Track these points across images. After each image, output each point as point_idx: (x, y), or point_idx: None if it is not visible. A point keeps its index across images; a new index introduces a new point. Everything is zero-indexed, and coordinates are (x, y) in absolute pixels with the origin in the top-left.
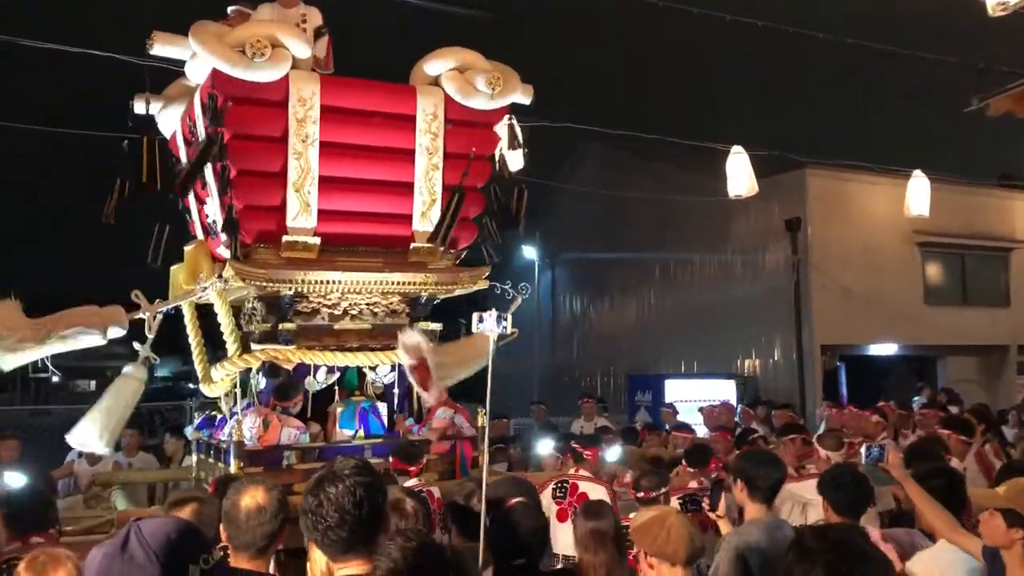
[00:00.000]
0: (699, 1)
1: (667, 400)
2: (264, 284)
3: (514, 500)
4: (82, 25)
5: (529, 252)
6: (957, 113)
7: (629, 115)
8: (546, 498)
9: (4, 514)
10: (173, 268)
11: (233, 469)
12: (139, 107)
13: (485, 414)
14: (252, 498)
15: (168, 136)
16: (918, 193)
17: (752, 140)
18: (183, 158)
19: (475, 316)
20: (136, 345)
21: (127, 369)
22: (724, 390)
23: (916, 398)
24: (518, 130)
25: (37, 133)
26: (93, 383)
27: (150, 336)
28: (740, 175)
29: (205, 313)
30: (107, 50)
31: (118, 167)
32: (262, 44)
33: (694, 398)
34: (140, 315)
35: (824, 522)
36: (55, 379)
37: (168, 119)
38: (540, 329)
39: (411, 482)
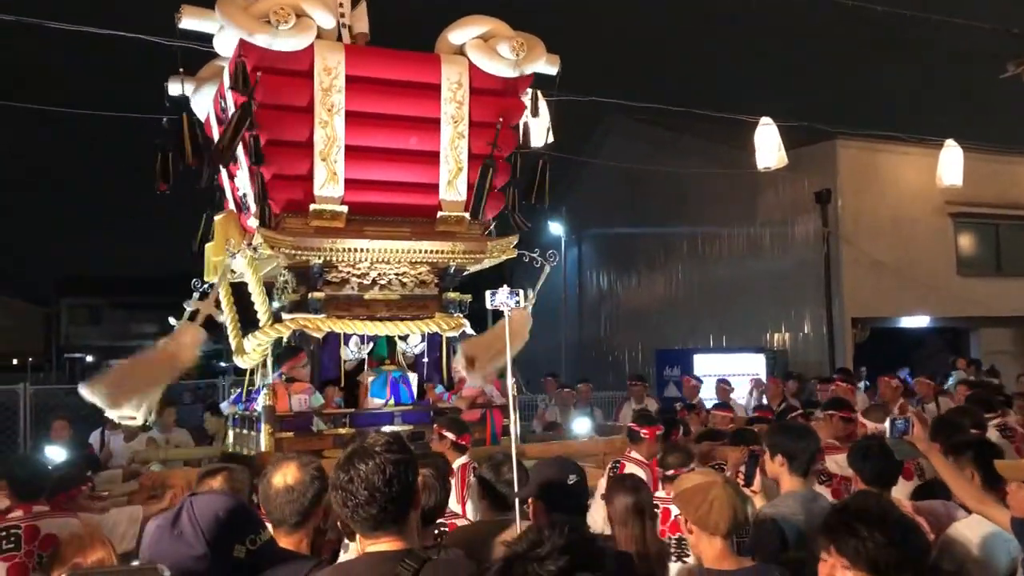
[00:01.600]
0: None
1: (696, 373)
2: (293, 252)
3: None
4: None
5: (555, 228)
6: (992, 80)
7: (656, 88)
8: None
9: (8, 482)
10: (208, 246)
11: (264, 435)
12: (174, 89)
13: (515, 383)
14: (283, 475)
15: (203, 118)
16: (951, 163)
17: (781, 111)
18: (216, 137)
19: (487, 293)
20: (172, 320)
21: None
22: (754, 364)
23: (953, 372)
24: (541, 100)
25: (77, 116)
26: None
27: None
28: (769, 147)
29: (239, 291)
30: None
31: (159, 144)
32: (285, 12)
33: (723, 372)
34: (200, 311)
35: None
36: (89, 359)
37: (202, 101)
38: (567, 305)
39: (460, 461)
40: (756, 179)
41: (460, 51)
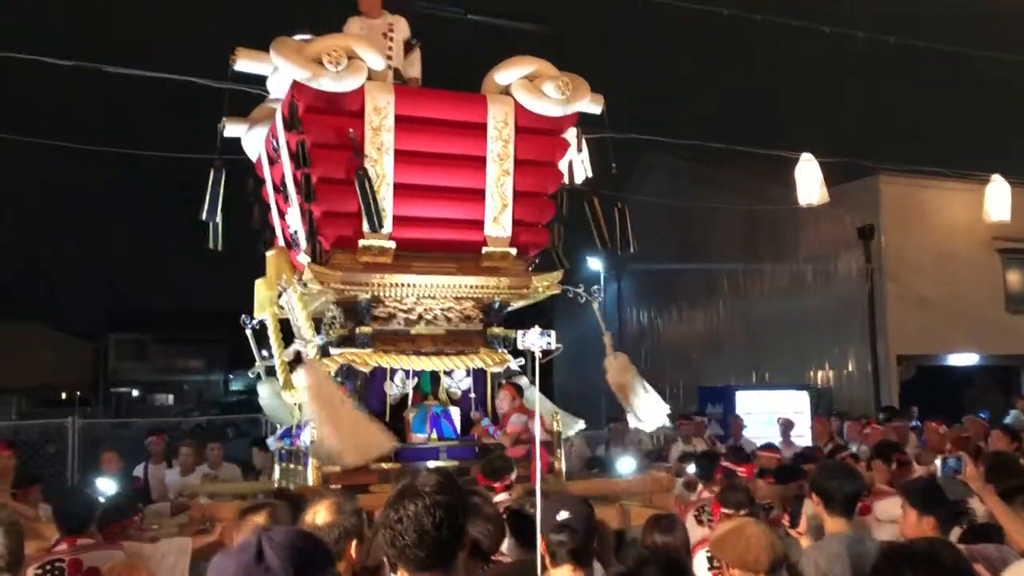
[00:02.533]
0: (764, 7)
1: (738, 411)
2: (341, 287)
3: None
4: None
5: (594, 263)
6: None
7: (696, 124)
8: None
9: (55, 515)
10: (257, 282)
11: (311, 470)
12: (229, 130)
13: (558, 419)
14: (314, 514)
15: (254, 158)
16: (998, 198)
17: (823, 147)
18: (267, 177)
19: (519, 333)
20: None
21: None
22: (797, 401)
23: (1012, 411)
24: (583, 139)
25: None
26: (171, 396)
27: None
28: (810, 183)
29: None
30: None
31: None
32: (338, 54)
33: (766, 410)
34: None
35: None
36: (135, 393)
37: (253, 141)
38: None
39: (499, 497)
40: (798, 215)
41: (506, 91)
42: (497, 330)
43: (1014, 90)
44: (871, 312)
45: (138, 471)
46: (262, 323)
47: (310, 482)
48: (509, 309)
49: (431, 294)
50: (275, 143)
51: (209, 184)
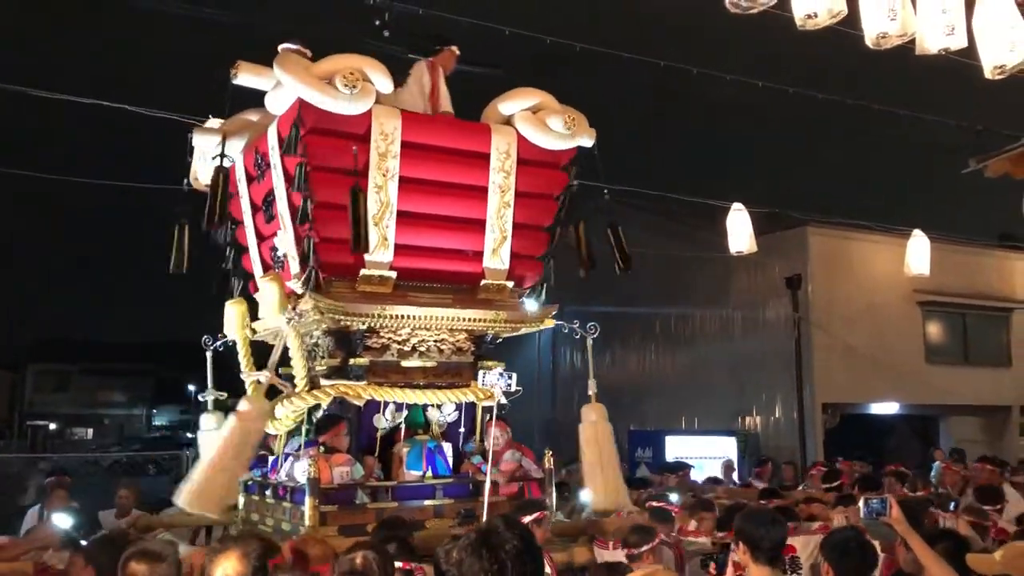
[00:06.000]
0: (701, 61)
1: (667, 456)
2: (340, 317)
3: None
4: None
5: (530, 305)
6: (957, 173)
7: (631, 170)
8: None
9: (84, 558)
10: (229, 304)
11: (308, 509)
12: (197, 140)
13: (550, 457)
14: (223, 570)
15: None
16: (918, 252)
17: (753, 197)
18: (244, 192)
19: (480, 372)
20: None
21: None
22: (725, 447)
23: (935, 463)
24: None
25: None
26: (91, 431)
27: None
28: (740, 232)
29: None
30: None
31: (179, 213)
32: (355, 77)
33: (694, 455)
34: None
35: None
36: (52, 426)
37: (228, 153)
38: (540, 382)
39: None
40: (729, 262)
41: (507, 121)
42: (489, 363)
43: (936, 150)
44: (798, 360)
45: (30, 516)
46: (226, 345)
47: (307, 521)
48: (499, 341)
49: (426, 325)
50: (259, 159)
51: (175, 240)
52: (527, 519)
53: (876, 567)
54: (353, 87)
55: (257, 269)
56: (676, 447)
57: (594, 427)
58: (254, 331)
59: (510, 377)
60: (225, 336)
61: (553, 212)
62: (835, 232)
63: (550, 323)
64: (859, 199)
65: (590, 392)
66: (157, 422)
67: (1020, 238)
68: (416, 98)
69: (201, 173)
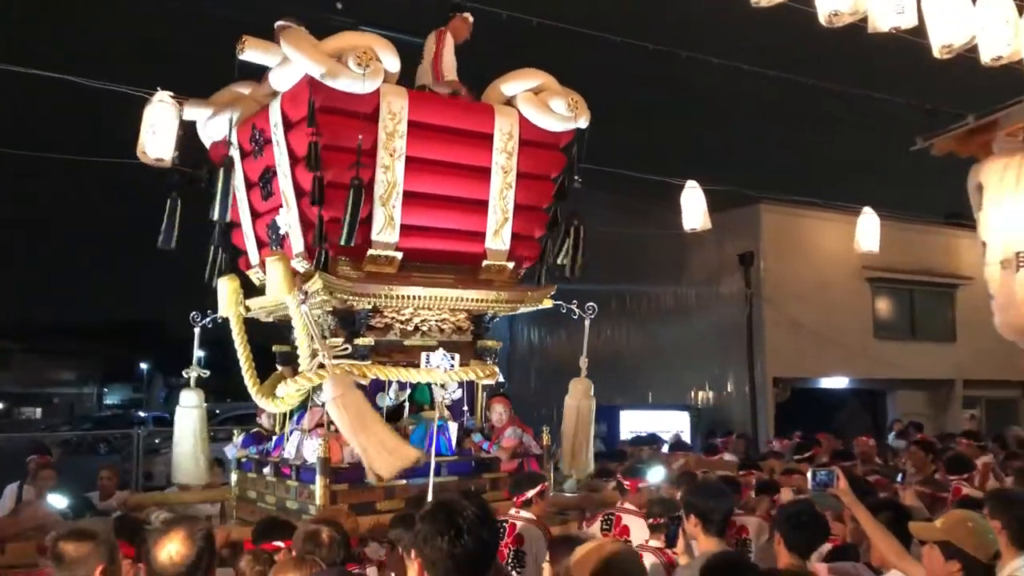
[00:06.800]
0: (656, 37)
1: (621, 431)
2: (347, 297)
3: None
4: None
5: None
6: (906, 152)
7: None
8: (595, 530)
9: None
10: (222, 281)
11: (319, 488)
12: (188, 114)
13: (549, 433)
14: (167, 552)
15: (207, 143)
16: (868, 229)
17: (707, 174)
18: (236, 169)
19: (423, 355)
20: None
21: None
22: (678, 421)
23: (891, 433)
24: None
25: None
26: (39, 410)
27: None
28: (694, 209)
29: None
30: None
31: (172, 185)
32: (368, 56)
33: (649, 429)
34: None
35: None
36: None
37: (217, 127)
38: (498, 358)
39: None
40: (683, 240)
41: (509, 102)
42: (489, 343)
43: (887, 129)
44: (749, 336)
45: (9, 491)
46: (215, 322)
47: (317, 500)
48: (496, 320)
49: (429, 305)
50: (256, 135)
51: (166, 212)
52: (530, 493)
53: (826, 537)
54: (367, 66)
55: (251, 246)
56: (631, 421)
57: (576, 401)
58: (247, 308)
59: (453, 358)
60: (211, 314)
61: (551, 193)
62: (787, 209)
63: (547, 303)
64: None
65: (582, 367)
66: (108, 401)
67: (966, 216)
68: (426, 71)
69: (148, 145)
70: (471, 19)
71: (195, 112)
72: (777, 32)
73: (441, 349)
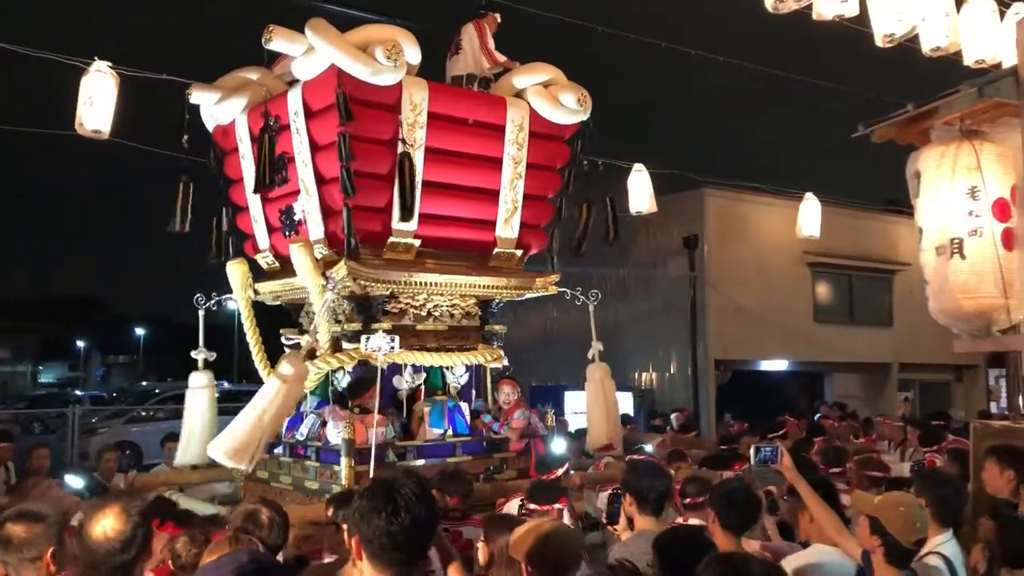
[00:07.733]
0: (604, 20)
1: (566, 410)
2: (368, 284)
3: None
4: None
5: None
6: (847, 139)
7: None
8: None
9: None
10: (230, 264)
11: (344, 468)
12: (196, 96)
13: (552, 413)
14: (102, 527)
15: (211, 126)
16: (809, 215)
17: (654, 159)
18: (247, 152)
19: (363, 337)
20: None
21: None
22: (622, 402)
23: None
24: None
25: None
26: None
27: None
28: (641, 192)
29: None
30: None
31: (184, 169)
32: (396, 49)
33: None
34: (303, 342)
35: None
36: None
37: (225, 112)
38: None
39: None
40: (628, 223)
41: (519, 95)
42: (496, 327)
43: (829, 116)
44: (692, 318)
45: None
46: (219, 303)
47: (343, 480)
48: (501, 305)
49: (442, 291)
50: (272, 122)
51: (179, 196)
52: (559, 472)
53: (759, 515)
54: (395, 59)
55: (260, 230)
56: (575, 402)
57: (600, 383)
58: (256, 292)
59: (392, 340)
60: (209, 297)
61: (557, 184)
62: (731, 194)
63: (553, 290)
64: (754, 162)
65: (593, 353)
66: (44, 379)
67: (904, 203)
68: (469, 60)
69: (86, 118)
70: (499, 18)
71: (202, 96)
72: (726, 19)
73: (381, 332)
